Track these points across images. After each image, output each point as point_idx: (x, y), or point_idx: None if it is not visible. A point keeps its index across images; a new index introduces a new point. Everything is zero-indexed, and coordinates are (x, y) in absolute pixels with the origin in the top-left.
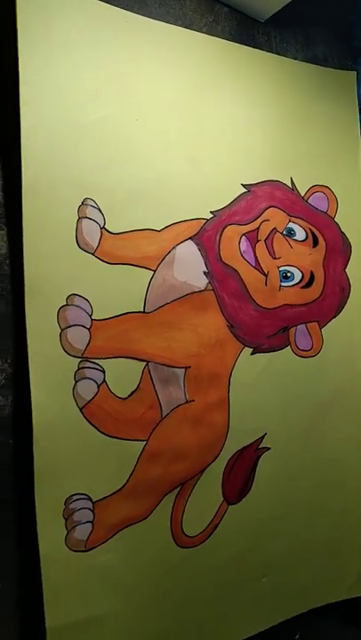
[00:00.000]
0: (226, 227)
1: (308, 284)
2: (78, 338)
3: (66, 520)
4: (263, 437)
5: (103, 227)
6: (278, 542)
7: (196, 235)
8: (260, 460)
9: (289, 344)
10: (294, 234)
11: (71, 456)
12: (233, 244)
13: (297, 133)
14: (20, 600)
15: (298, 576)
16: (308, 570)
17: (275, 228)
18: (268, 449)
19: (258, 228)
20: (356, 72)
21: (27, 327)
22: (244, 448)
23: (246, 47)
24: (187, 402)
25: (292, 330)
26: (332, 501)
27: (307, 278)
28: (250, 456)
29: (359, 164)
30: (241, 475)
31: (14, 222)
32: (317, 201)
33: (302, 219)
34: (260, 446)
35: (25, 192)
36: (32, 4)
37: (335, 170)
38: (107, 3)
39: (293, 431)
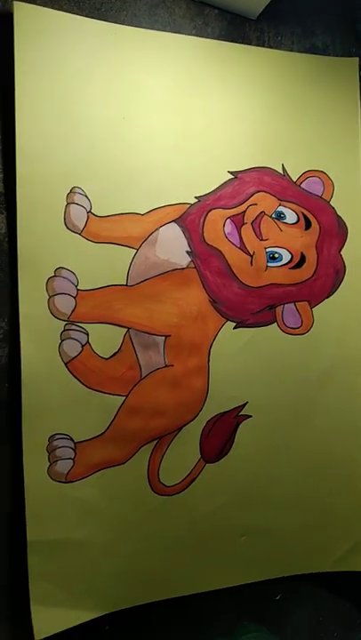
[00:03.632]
0: (210, 210)
1: (298, 265)
2: (64, 304)
3: (49, 454)
4: (244, 406)
5: (90, 211)
6: (259, 507)
7: (179, 218)
8: (242, 426)
9: (276, 321)
10: (284, 217)
11: (55, 401)
12: (217, 227)
13: (291, 121)
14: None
15: (279, 542)
16: (290, 538)
17: (263, 212)
18: (249, 417)
19: (244, 212)
20: (358, 58)
21: (19, 294)
22: (224, 413)
23: (235, 44)
24: (166, 366)
25: (280, 308)
26: (319, 481)
27: (296, 259)
28: (229, 421)
29: (359, 149)
30: (219, 437)
31: (13, 208)
32: (312, 185)
33: (294, 202)
34: (241, 414)
35: (19, 183)
36: (28, 20)
37: (333, 155)
38: (97, 19)
39: (278, 405)
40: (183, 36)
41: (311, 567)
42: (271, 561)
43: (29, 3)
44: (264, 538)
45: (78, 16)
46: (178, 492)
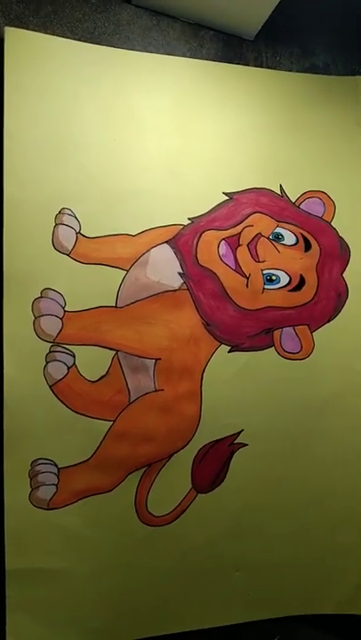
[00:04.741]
0: (204, 232)
1: (298, 288)
2: (50, 325)
3: (31, 479)
4: (239, 434)
5: (79, 232)
6: (255, 541)
7: (172, 239)
8: (237, 455)
9: (273, 345)
10: (282, 238)
11: (39, 425)
12: (211, 248)
13: (290, 142)
14: None
15: (276, 579)
16: (289, 576)
17: (259, 233)
18: (245, 445)
19: (239, 233)
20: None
21: (3, 314)
22: (218, 441)
23: (230, 65)
24: (156, 390)
25: (278, 332)
26: (320, 515)
27: (295, 282)
28: (223, 449)
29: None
30: (212, 466)
31: (0, 228)
32: (312, 206)
33: (292, 224)
34: (236, 442)
35: (6, 204)
36: (19, 45)
37: (334, 175)
38: (91, 42)
39: (276, 433)
40: (177, 57)
41: (312, 608)
42: (268, 599)
43: (22, 28)
44: (260, 574)
45: (71, 40)
46: (167, 523)
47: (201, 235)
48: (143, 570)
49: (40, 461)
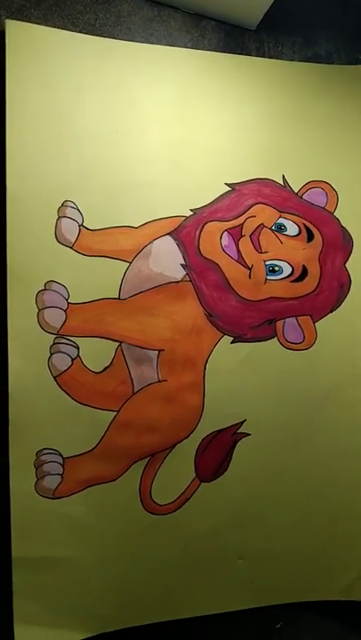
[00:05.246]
0: (207, 223)
1: (300, 279)
2: (54, 317)
3: (36, 469)
4: (242, 423)
5: (82, 224)
6: (257, 529)
7: (174, 230)
8: (240, 445)
9: (276, 336)
10: (285, 229)
11: (44, 415)
12: (213, 239)
13: (293, 132)
14: None
15: (279, 567)
16: (291, 563)
17: (262, 224)
18: (248, 435)
19: (242, 224)
20: None
21: (7, 307)
22: (221, 431)
23: (232, 55)
24: (159, 381)
25: (280, 322)
26: (321, 505)
27: (298, 272)
28: (226, 439)
29: None
30: (215, 455)
31: (3, 222)
32: (314, 196)
33: (295, 214)
34: (239, 431)
35: (9, 198)
36: (20, 37)
37: (338, 165)
38: (92, 34)
39: (279, 423)
40: (179, 48)
41: (314, 595)
42: (271, 586)
43: (23, 20)
44: (263, 562)
45: (72, 32)
46: (171, 512)
47: (203, 226)
48: (147, 558)
49: (45, 451)
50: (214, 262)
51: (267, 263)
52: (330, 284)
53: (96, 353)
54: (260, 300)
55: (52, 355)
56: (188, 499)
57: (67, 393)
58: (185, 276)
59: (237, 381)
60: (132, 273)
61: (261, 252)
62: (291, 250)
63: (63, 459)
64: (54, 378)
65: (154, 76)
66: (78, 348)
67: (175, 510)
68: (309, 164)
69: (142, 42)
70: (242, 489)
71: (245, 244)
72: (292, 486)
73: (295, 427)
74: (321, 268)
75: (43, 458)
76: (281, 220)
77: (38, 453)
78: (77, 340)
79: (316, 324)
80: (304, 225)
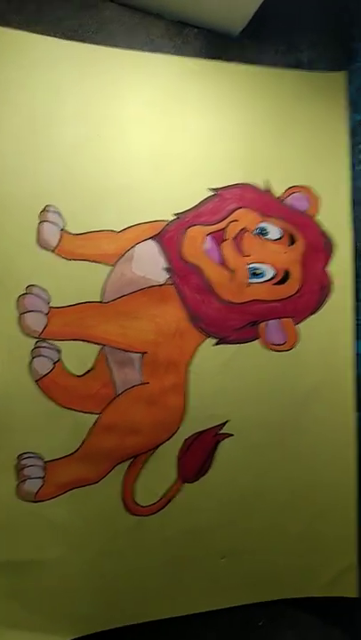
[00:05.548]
0: (189, 227)
1: (282, 281)
2: (35, 321)
3: (17, 472)
4: (224, 424)
5: (63, 228)
6: (240, 528)
7: (157, 235)
8: (222, 445)
9: (259, 337)
10: (267, 233)
11: (25, 420)
12: (196, 243)
13: (275, 137)
14: None
15: (261, 564)
16: (273, 561)
17: (244, 228)
18: (230, 435)
19: (225, 228)
20: (345, 72)
21: None
22: (203, 432)
23: (214, 62)
24: (142, 383)
25: (263, 324)
26: (304, 504)
27: (280, 275)
28: (208, 440)
29: (345, 163)
30: (197, 456)
31: None
32: (296, 201)
33: (277, 218)
34: (221, 432)
35: None
36: (1, 43)
37: (319, 169)
38: (75, 40)
39: (262, 424)
40: (160, 54)
41: (297, 592)
42: (253, 584)
43: (4, 26)
44: (245, 560)
45: (53, 38)
46: (153, 513)
47: (186, 230)
48: (130, 558)
49: (26, 455)
50: (197, 266)
51: (249, 266)
52: (311, 287)
53: (78, 356)
54: (243, 303)
55: (33, 359)
56: (171, 499)
57: (48, 397)
58: (168, 280)
59: (221, 383)
60: (115, 276)
61: (244, 256)
62: (273, 253)
63: (44, 462)
64: (35, 382)
65: (136, 82)
66: (60, 352)
67: (158, 511)
68: (291, 170)
69: (125, 48)
70: (224, 489)
71: (228, 248)
72: (275, 485)
73: (278, 426)
74: (303, 270)
75: (24, 462)
76: (263, 225)
77: (19, 457)
78: (59, 344)
79: (297, 325)
80: (286, 229)
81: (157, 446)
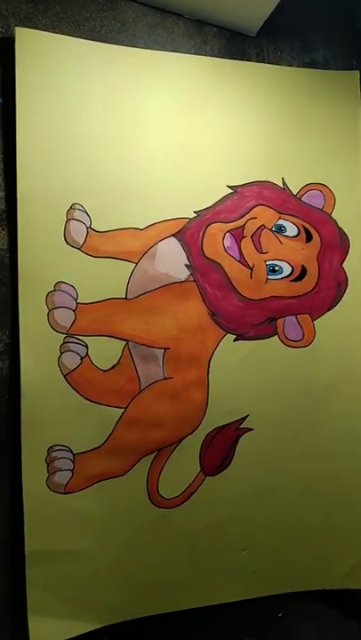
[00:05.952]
0: (210, 224)
1: (300, 278)
2: (64, 317)
3: (48, 465)
4: (245, 419)
5: (89, 226)
6: (260, 521)
7: (178, 232)
8: (243, 439)
9: (277, 334)
10: (285, 230)
11: (55, 413)
12: (216, 240)
13: (292, 135)
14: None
15: (281, 557)
16: (293, 553)
17: (263, 225)
18: (250, 430)
19: (243, 226)
20: (359, 71)
21: (19, 308)
22: (224, 426)
23: (234, 61)
24: (165, 378)
25: (281, 320)
26: (324, 492)
27: (297, 272)
28: (229, 434)
29: (360, 161)
30: (219, 450)
31: (14, 224)
32: (312, 198)
33: (294, 216)
34: (241, 426)
35: (20, 200)
36: (29, 44)
37: (334, 167)
38: (97, 41)
39: (280, 418)
40: (182, 54)
41: (316, 584)
42: (274, 576)
43: (31, 27)
44: (266, 552)
45: (78, 39)
46: (177, 505)
47: (207, 227)
48: (154, 550)
49: (56, 448)
50: (217, 262)
51: (267, 263)
52: (328, 283)
53: (104, 352)
54: (262, 299)
55: (62, 354)
56: (194, 492)
57: (76, 391)
58: (189, 277)
59: (240, 378)
60: (138, 274)
61: (262, 253)
62: (290, 250)
63: (73, 455)
64: (64, 376)
65: (158, 82)
66: (87, 347)
67: (181, 504)
68: (308, 167)
69: (146, 48)
70: (245, 482)
71: (247, 245)
72: (293, 478)
73: (295, 421)
74: (319, 267)
75: (54, 454)
76: (281, 222)
77: (49, 450)
78: (86, 339)
79: (314, 321)
80: (303, 226)
81: (181, 440)
